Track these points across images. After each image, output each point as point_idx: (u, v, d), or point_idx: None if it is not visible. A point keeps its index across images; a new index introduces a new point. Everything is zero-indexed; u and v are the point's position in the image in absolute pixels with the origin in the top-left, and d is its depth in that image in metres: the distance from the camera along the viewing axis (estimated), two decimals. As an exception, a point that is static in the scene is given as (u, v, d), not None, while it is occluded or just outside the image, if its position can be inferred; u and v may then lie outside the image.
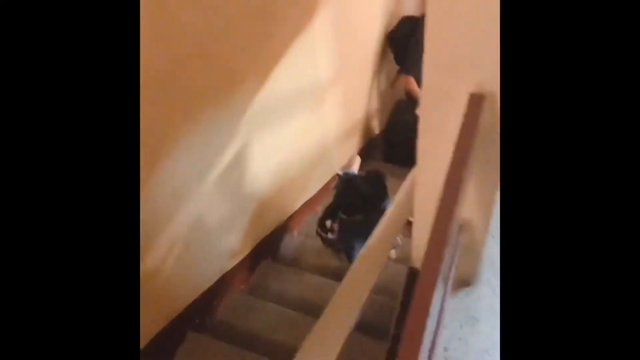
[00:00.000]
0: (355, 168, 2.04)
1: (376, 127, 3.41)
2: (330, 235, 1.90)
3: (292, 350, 1.80)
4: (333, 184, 1.91)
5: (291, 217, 2.48)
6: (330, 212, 1.86)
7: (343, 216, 1.75)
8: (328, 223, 1.89)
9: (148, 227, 1.44)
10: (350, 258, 1.95)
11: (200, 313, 1.88)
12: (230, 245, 2.01)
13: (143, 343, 1.55)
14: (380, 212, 1.64)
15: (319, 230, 1.93)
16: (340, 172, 1.87)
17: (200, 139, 1.57)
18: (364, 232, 1.64)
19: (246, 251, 2.14)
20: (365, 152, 3.16)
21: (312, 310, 1.97)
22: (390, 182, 1.89)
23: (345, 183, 1.77)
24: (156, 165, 1.39)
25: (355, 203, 1.70)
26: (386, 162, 3.24)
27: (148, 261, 1.49)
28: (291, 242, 2.46)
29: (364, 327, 1.62)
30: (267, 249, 2.31)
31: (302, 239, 2.51)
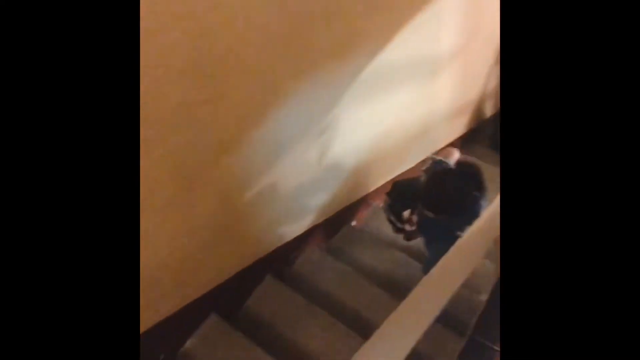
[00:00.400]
0: (452, 160, 1.87)
1: (489, 110, 3.19)
2: (407, 227, 1.75)
3: (357, 316, 1.85)
4: (424, 167, 1.71)
5: (383, 187, 2.46)
6: (408, 201, 1.68)
7: (427, 213, 1.50)
8: (406, 213, 1.72)
9: (247, 171, 1.51)
10: (431, 252, 1.82)
11: (281, 260, 1.98)
12: (318, 203, 2.06)
13: (225, 277, 1.67)
14: (472, 213, 1.46)
15: (391, 217, 1.74)
16: (436, 158, 1.65)
17: (310, 96, 1.58)
18: (448, 234, 1.48)
19: (332, 212, 2.18)
20: (472, 135, 3.00)
21: (385, 283, 1.99)
22: (492, 172, 1.75)
23: (435, 175, 1.51)
24: (263, 115, 1.44)
25: (442, 201, 1.45)
26: (492, 149, 3.04)
27: (242, 203, 1.58)
28: (377, 211, 2.45)
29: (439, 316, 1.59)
30: (353, 213, 2.34)
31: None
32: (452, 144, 2.83)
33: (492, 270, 1.39)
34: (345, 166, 2.09)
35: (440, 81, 2.35)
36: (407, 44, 1.90)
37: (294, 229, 1.98)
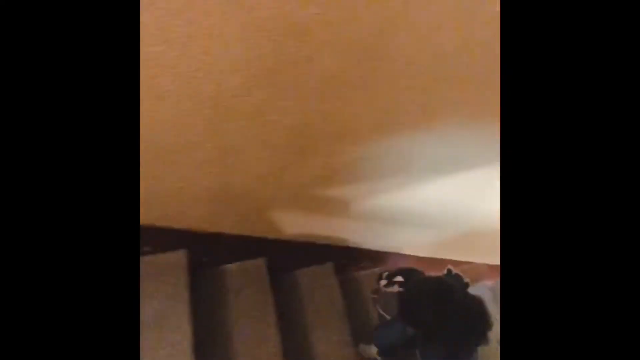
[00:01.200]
0: (477, 282, 1.57)
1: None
2: (386, 287, 1.39)
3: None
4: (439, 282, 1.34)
5: (449, 262, 2.12)
6: (393, 275, 1.36)
7: (417, 340, 1.29)
8: (398, 279, 1.37)
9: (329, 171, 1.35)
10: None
11: (290, 257, 1.81)
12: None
13: (227, 231, 1.56)
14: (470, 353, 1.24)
15: (384, 287, 1.42)
16: (453, 271, 1.29)
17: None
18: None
19: (379, 247, 1.96)
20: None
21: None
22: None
23: (440, 293, 1.25)
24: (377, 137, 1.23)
25: (439, 328, 1.22)
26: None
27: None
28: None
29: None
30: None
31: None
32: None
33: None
34: (421, 225, 1.81)
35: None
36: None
37: (321, 231, 1.77)
